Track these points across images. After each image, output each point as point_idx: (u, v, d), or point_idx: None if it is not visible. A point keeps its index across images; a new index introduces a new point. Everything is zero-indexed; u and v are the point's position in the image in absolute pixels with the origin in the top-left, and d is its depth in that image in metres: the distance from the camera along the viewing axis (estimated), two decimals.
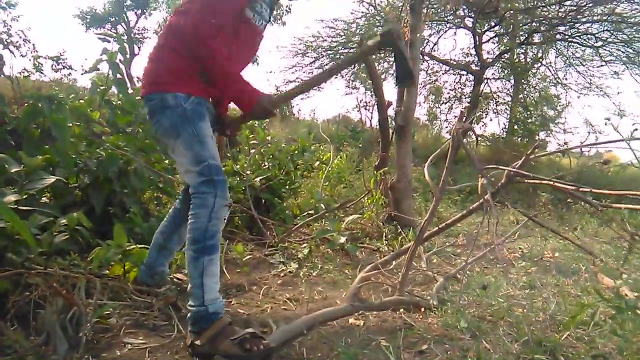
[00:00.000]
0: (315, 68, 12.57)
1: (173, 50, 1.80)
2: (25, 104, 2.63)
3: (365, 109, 13.35)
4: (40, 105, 2.54)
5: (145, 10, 23.36)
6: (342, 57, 12.07)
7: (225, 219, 1.78)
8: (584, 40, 10.87)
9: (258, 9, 1.92)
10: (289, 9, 20.96)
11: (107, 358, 1.58)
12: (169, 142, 1.83)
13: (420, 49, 9.59)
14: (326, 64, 12.47)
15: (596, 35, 10.51)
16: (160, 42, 1.86)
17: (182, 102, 1.76)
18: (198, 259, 1.68)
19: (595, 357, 1.66)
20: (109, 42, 3.22)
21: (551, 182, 2.04)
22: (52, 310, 1.59)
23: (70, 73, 13.07)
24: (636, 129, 1.41)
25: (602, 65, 11.18)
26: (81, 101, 3.17)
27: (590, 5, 9.54)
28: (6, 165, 1.97)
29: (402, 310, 2.22)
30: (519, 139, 12.17)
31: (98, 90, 2.95)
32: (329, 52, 12.19)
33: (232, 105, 2.14)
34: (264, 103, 1.80)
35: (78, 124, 2.89)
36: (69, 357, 1.50)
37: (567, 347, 1.81)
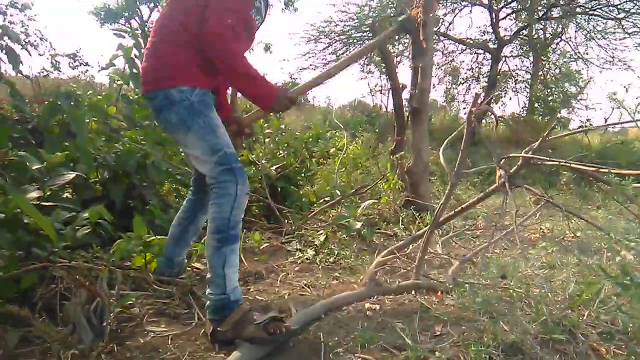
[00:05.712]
0: (329, 54, 12.49)
1: (172, 43, 1.79)
2: (45, 102, 2.69)
3: (381, 93, 13.23)
4: (59, 102, 2.58)
5: (157, 3, 23.45)
6: (355, 43, 11.94)
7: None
8: (605, 12, 10.52)
9: (257, 4, 1.96)
10: None
11: (130, 346, 1.64)
12: (179, 137, 1.83)
13: (435, 28, 9.42)
14: (339, 49, 12.38)
15: (618, 6, 10.15)
16: (157, 38, 1.84)
17: (188, 96, 1.75)
18: (220, 248, 1.70)
19: (600, 335, 1.65)
20: (123, 37, 3.28)
21: (568, 164, 1.99)
22: (76, 301, 1.64)
23: (87, 70, 13.26)
24: None
25: (624, 38, 10.83)
26: (99, 97, 3.23)
27: None
28: (28, 163, 2.03)
29: (418, 293, 2.23)
30: (540, 117, 11.90)
31: (115, 85, 3.00)
32: (342, 36, 12.09)
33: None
34: (281, 99, 1.87)
35: (96, 119, 2.95)
36: (94, 346, 1.56)
37: (587, 326, 1.79)
